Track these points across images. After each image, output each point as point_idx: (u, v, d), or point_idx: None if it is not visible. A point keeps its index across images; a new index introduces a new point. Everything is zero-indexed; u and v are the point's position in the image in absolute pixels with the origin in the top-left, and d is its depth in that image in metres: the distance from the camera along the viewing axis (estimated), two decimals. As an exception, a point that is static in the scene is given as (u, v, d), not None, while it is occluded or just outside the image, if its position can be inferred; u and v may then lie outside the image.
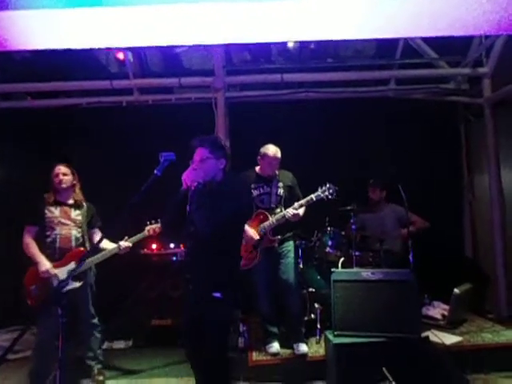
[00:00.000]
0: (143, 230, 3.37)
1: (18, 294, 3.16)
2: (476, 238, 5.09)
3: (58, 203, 3.20)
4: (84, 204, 3.32)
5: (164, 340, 4.09)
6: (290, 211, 3.33)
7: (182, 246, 4.27)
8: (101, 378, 3.34)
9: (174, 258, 4.37)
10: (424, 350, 2.95)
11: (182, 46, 4.54)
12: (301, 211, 3.38)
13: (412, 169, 4.67)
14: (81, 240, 3.24)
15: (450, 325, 3.80)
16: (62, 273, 3.05)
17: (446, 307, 4.04)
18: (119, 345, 4.29)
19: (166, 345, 3.99)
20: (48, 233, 3.12)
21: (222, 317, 2.24)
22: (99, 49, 4.30)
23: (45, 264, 3.01)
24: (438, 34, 1.71)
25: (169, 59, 5.04)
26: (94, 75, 4.62)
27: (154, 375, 3.51)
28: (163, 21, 1.77)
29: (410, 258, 3.70)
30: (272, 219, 3.36)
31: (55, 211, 3.17)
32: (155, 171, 1.97)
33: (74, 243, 3.18)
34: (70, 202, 3.26)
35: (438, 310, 4.08)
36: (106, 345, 4.24)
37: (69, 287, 3.03)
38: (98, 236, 3.39)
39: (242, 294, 2.41)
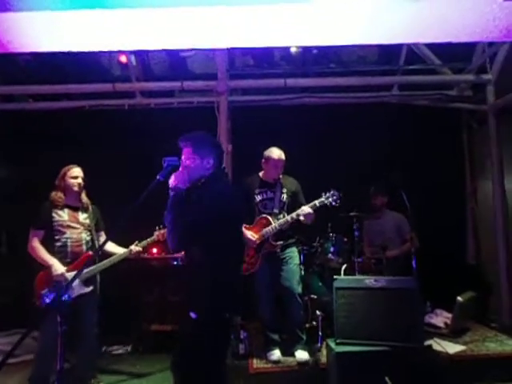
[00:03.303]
0: (152, 234, 3.35)
1: (21, 296, 3.11)
2: (479, 245, 5.05)
3: (66, 206, 3.14)
4: (90, 207, 3.28)
5: (163, 346, 4.04)
6: (306, 209, 3.27)
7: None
8: None
9: (175, 263, 4.34)
10: (427, 359, 2.91)
11: (187, 51, 4.53)
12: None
13: (415, 175, 4.65)
14: (91, 243, 3.21)
15: (452, 333, 3.76)
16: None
17: (449, 315, 4.01)
18: (118, 350, 4.24)
19: (166, 350, 3.94)
20: (57, 237, 3.06)
21: (190, 344, 1.95)
22: (102, 52, 4.28)
23: (60, 268, 2.96)
24: (446, 39, 1.69)
25: (171, 63, 5.03)
26: (97, 78, 4.61)
27: (152, 381, 3.47)
28: (166, 24, 1.75)
29: (413, 264, 3.68)
30: (275, 224, 3.33)
31: (63, 214, 3.11)
32: (158, 176, 1.92)
33: (84, 247, 3.15)
34: (77, 205, 3.21)
35: (440, 318, 4.04)
36: (104, 349, 4.20)
37: (79, 292, 3.02)
38: (103, 239, 3.37)
39: (242, 301, 2.27)
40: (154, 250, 4.32)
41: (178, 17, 1.67)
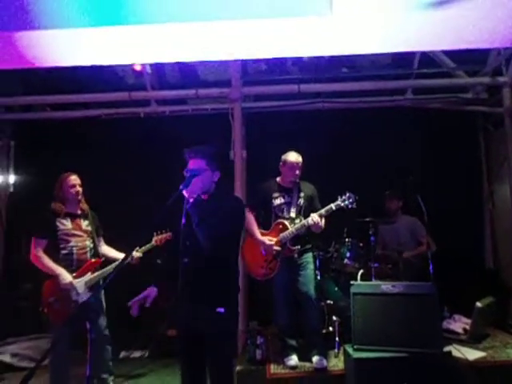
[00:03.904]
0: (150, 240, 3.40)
1: (37, 304, 3.16)
2: (497, 249, 4.98)
3: (68, 215, 3.17)
4: (89, 213, 3.32)
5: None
6: (315, 217, 3.24)
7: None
8: None
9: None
10: (446, 366, 2.88)
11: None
12: (322, 222, 3.32)
13: (431, 179, 4.62)
14: (93, 250, 3.26)
15: (471, 339, 3.70)
16: (79, 284, 3.06)
17: (468, 321, 3.94)
18: (135, 354, 4.31)
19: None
20: (62, 245, 3.09)
21: (226, 331, 2.19)
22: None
23: (67, 277, 3.00)
24: (462, 46, 1.69)
25: (185, 70, 5.09)
26: (111, 87, 4.69)
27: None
28: (182, 38, 1.79)
29: (430, 269, 3.65)
30: (292, 229, 3.33)
31: (67, 223, 3.13)
32: (181, 187, 1.97)
33: (89, 254, 3.20)
34: (78, 212, 3.24)
35: (458, 324, 3.98)
36: (122, 354, 4.27)
37: (85, 298, 3.06)
38: (102, 244, 3.43)
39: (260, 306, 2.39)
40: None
41: (194, 31, 1.71)
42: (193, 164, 2.21)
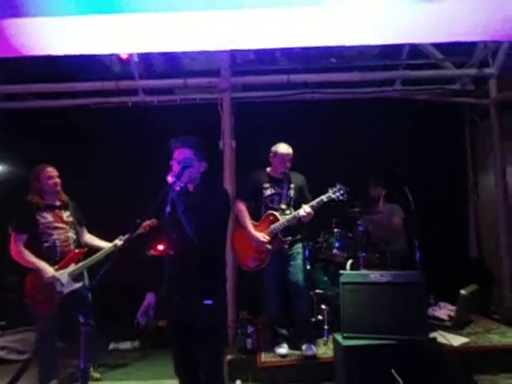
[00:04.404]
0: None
1: (23, 297, 3.12)
2: (481, 238, 5.10)
3: (48, 207, 3.11)
4: (69, 203, 3.26)
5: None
6: (307, 209, 3.25)
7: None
8: (97, 375, 3.42)
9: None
10: (432, 352, 2.96)
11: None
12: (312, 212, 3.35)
13: (417, 170, 4.68)
14: (77, 241, 3.23)
15: (456, 326, 3.81)
16: (63, 276, 3.04)
17: (452, 308, 4.05)
18: (125, 346, 4.30)
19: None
20: (45, 239, 3.05)
21: (215, 322, 2.19)
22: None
23: (49, 271, 2.98)
24: (456, 39, 1.71)
25: (173, 60, 5.01)
26: (98, 76, 4.59)
27: (161, 376, 3.50)
28: (177, 27, 1.76)
29: (417, 258, 3.72)
30: (283, 220, 3.34)
31: (48, 216, 3.08)
32: (173, 179, 1.96)
33: (72, 246, 3.17)
34: (57, 203, 3.19)
35: (444, 311, 4.08)
36: (112, 346, 4.26)
37: (69, 289, 3.06)
38: (85, 234, 3.40)
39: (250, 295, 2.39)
40: (160, 247, 4.34)
41: (189, 20, 1.69)
42: (179, 154, 2.16)
